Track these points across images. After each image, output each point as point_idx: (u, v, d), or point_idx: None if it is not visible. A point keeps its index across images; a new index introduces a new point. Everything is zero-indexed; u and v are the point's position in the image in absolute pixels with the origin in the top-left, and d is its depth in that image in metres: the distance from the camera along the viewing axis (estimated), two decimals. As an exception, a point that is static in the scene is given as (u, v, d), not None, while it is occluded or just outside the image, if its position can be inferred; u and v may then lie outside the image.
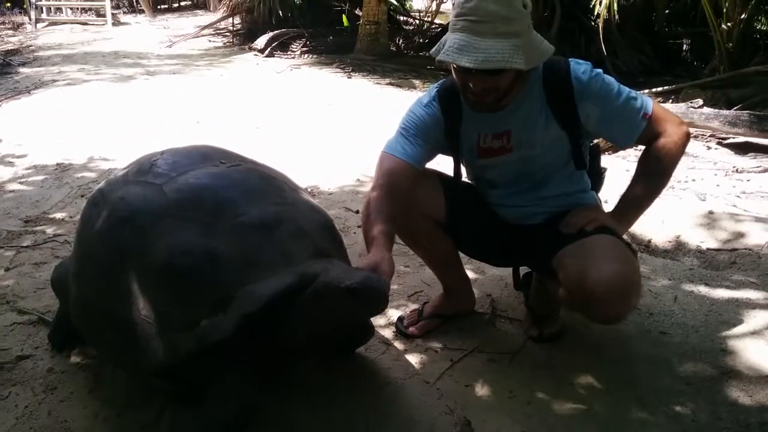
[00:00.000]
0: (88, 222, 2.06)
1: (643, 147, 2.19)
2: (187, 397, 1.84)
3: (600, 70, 2.11)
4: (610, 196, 2.58)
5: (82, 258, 2.05)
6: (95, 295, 1.95)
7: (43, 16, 15.28)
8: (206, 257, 1.77)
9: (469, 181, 2.47)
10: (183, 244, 1.78)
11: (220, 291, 1.74)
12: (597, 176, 2.45)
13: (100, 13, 15.82)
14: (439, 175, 2.39)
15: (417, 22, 12.99)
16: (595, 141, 2.41)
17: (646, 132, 2.09)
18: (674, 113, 2.20)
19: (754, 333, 2.45)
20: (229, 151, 2.27)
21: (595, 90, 2.07)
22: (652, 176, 2.13)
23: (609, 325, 2.22)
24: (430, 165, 2.37)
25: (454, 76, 2.08)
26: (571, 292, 2.02)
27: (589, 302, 1.97)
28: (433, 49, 2.03)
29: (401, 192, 2.19)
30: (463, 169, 2.41)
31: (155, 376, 1.90)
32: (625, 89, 2.10)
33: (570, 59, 2.12)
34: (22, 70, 9.34)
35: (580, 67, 2.09)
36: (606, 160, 2.52)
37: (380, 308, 1.73)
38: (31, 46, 12.00)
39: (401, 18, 13.24)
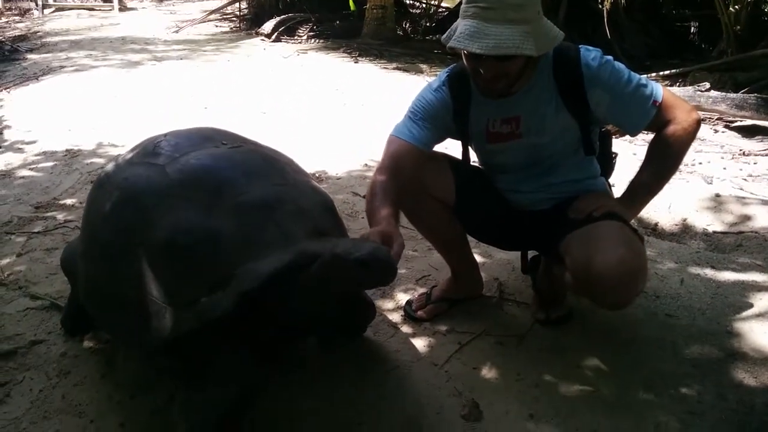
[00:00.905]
0: (94, 203, 2.10)
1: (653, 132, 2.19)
2: (192, 377, 1.87)
3: (610, 57, 2.11)
4: (617, 180, 2.59)
5: (89, 238, 2.08)
6: (101, 274, 1.98)
7: (50, 1, 15.23)
8: (207, 236, 1.79)
9: (479, 166, 2.49)
10: (184, 224, 1.80)
11: (220, 269, 1.76)
12: (608, 161, 2.45)
13: (106, -1, 15.82)
14: (448, 159, 2.40)
15: (424, 5, 12.92)
16: (605, 127, 2.42)
17: (656, 119, 2.09)
18: (685, 100, 2.20)
19: (760, 315, 2.46)
20: (231, 133, 2.29)
21: (605, 77, 2.07)
22: (661, 163, 2.14)
23: (615, 309, 2.23)
24: (439, 149, 2.38)
25: (465, 62, 2.09)
26: (577, 277, 2.02)
27: (594, 287, 1.98)
28: (444, 36, 2.04)
29: (407, 174, 2.20)
30: (472, 154, 2.43)
31: (159, 353, 1.94)
32: (636, 76, 2.10)
33: (580, 46, 2.12)
34: (29, 56, 9.33)
35: (590, 53, 2.09)
36: (613, 144, 2.53)
37: (389, 278, 1.74)
38: (39, 32, 11.98)
39: (408, 2, 13.17)
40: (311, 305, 1.86)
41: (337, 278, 1.73)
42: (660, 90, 2.10)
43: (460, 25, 1.97)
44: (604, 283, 1.93)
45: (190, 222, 1.81)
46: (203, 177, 1.93)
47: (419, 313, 2.53)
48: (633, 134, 2.27)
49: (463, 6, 1.99)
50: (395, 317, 2.55)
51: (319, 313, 1.96)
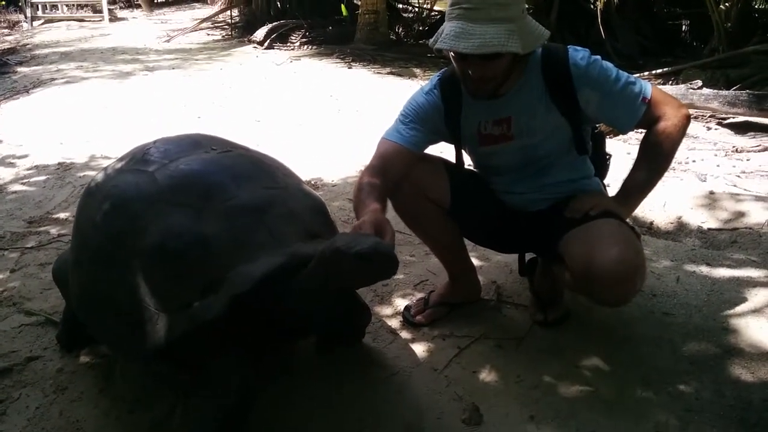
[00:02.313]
0: (84, 211, 2.10)
1: (643, 130, 2.20)
2: (189, 385, 1.86)
3: (598, 57, 2.13)
4: (612, 180, 2.59)
5: (80, 246, 2.08)
6: (93, 281, 1.97)
7: (39, 13, 15.22)
8: (197, 240, 1.79)
9: (473, 169, 2.49)
10: (174, 228, 1.81)
11: (212, 273, 1.77)
12: (602, 163, 2.46)
13: (96, 9, 15.78)
14: (444, 162, 2.41)
15: (416, 9, 12.93)
16: (598, 128, 2.42)
17: (646, 116, 2.10)
18: (673, 96, 2.21)
19: (756, 311, 2.47)
20: (220, 138, 2.29)
21: (594, 75, 2.08)
22: (654, 160, 2.15)
23: (614, 307, 2.25)
24: (434, 154, 2.39)
25: (453, 64, 2.10)
26: (576, 276, 2.04)
27: (594, 285, 1.99)
28: (432, 39, 2.05)
29: (395, 173, 2.22)
30: (466, 158, 2.43)
31: (154, 359, 1.93)
32: (624, 74, 2.12)
33: (568, 46, 2.14)
34: (19, 69, 9.31)
35: (578, 53, 2.11)
36: (608, 144, 2.54)
37: (391, 272, 1.73)
38: (28, 44, 11.97)
39: (400, 6, 13.18)
40: (309, 305, 1.85)
41: (338, 273, 1.72)
42: (649, 87, 2.12)
43: (446, 27, 1.99)
44: (604, 281, 1.94)
45: (180, 226, 1.81)
46: (193, 182, 1.94)
47: (418, 318, 2.52)
48: (624, 132, 2.29)
49: (448, 9, 2.01)
50: (394, 323, 2.55)
51: (316, 314, 1.96)
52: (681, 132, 2.11)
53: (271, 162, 2.21)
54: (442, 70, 2.33)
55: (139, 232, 1.84)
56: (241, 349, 1.86)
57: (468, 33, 1.92)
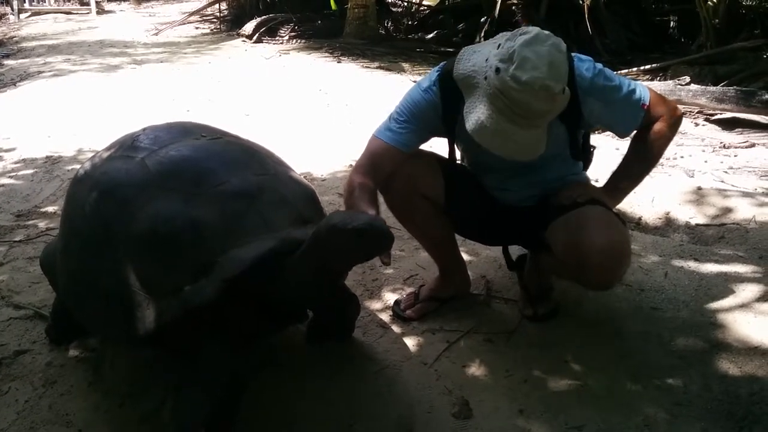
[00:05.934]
0: (73, 198, 2.09)
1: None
2: (180, 375, 1.86)
3: (600, 65, 2.13)
4: (599, 174, 2.60)
5: (69, 234, 2.07)
6: (82, 268, 1.96)
7: (26, 6, 15.13)
8: (188, 225, 1.79)
9: (465, 165, 2.50)
10: (165, 213, 1.81)
11: (203, 257, 1.76)
12: (586, 155, 2.47)
13: (83, 2, 15.71)
14: (438, 158, 2.41)
15: (405, 4, 12.91)
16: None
17: (644, 120, 2.15)
18: (666, 97, 2.26)
19: (743, 306, 2.49)
20: (210, 126, 2.29)
21: (599, 86, 2.09)
22: (645, 157, 2.21)
23: (600, 290, 2.30)
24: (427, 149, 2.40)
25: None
26: (565, 259, 2.07)
27: (582, 268, 2.03)
28: (455, 74, 2.04)
29: (383, 173, 2.23)
30: (458, 153, 2.44)
31: (143, 345, 1.94)
32: (625, 81, 2.14)
33: (573, 54, 2.09)
34: (6, 62, 9.25)
35: (583, 64, 2.10)
36: (595, 138, 2.55)
37: (386, 247, 1.74)
38: (15, 37, 11.89)
39: (389, 0, 13.15)
40: (301, 288, 1.85)
41: (333, 250, 1.72)
42: (646, 92, 2.15)
43: (481, 109, 1.94)
44: (591, 263, 1.98)
45: (170, 211, 1.81)
46: (183, 168, 1.94)
47: (408, 312, 2.52)
48: (623, 137, 2.32)
49: (493, 86, 1.90)
50: (384, 317, 2.55)
51: (307, 298, 1.96)
52: (673, 132, 2.19)
53: (261, 149, 2.21)
54: (442, 64, 2.25)
55: (129, 218, 1.83)
56: (232, 337, 1.85)
57: (507, 137, 1.93)
